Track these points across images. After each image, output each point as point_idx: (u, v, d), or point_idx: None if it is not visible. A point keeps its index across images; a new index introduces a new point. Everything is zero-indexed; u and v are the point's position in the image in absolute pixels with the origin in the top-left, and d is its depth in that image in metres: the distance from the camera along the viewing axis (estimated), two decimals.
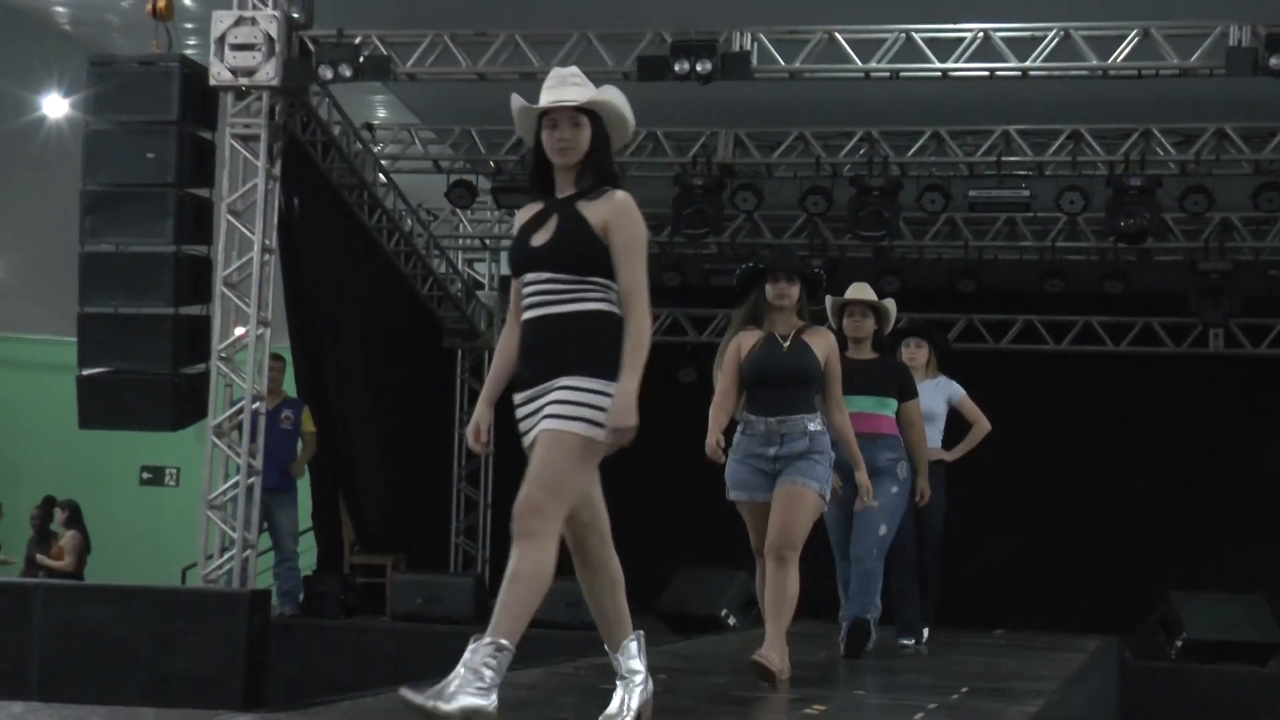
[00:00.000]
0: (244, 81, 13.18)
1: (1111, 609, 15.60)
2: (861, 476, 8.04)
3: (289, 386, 14.69)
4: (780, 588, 7.33)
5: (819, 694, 7.18)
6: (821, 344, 7.51)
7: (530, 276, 5.06)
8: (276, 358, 14.00)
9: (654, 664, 8.11)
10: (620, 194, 5.07)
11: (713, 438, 7.35)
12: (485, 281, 18.87)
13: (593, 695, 5.56)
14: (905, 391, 9.19)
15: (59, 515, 17.01)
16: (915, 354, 10.25)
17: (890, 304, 9.20)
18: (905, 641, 10.23)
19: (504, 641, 4.74)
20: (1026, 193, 15.30)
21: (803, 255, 8.83)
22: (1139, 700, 12.80)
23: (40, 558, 16.68)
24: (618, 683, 5.35)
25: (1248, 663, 12.99)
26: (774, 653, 7.09)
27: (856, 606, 8.90)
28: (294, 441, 14.12)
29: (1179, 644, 13.21)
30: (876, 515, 8.75)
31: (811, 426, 7.41)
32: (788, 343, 7.49)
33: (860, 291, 9.11)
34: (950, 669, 9.18)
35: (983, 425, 10.85)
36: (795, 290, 7.54)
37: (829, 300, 9.01)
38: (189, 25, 14.52)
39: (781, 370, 7.42)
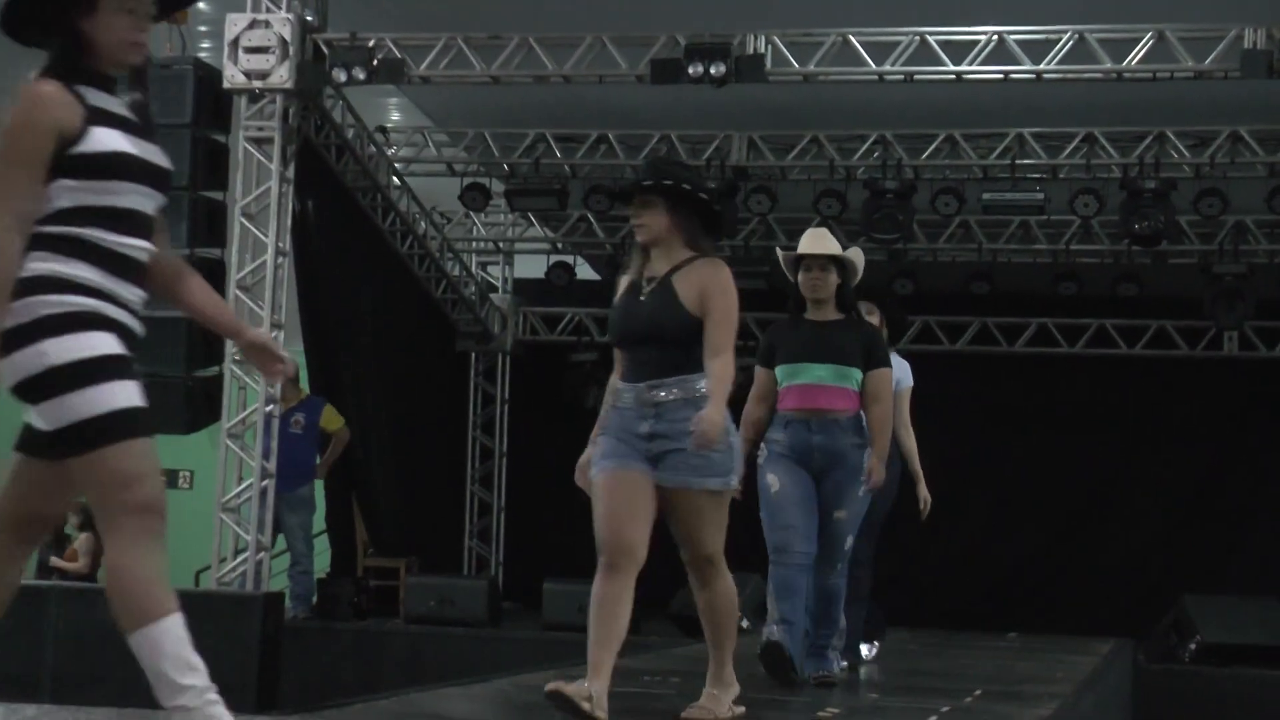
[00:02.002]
0: (258, 84, 13.19)
1: (1125, 612, 15.58)
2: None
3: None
4: (710, 607, 5.94)
5: (832, 697, 7.18)
6: (694, 281, 5.73)
7: None
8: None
9: (667, 667, 8.14)
10: None
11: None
12: (499, 285, 18.88)
13: (610, 697, 5.55)
14: (873, 358, 7.56)
15: (72, 518, 17.03)
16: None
17: (856, 254, 7.73)
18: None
19: None
20: (1040, 196, 15.26)
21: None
22: (1152, 704, 12.80)
23: (54, 560, 16.70)
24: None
25: (1261, 666, 12.97)
26: (597, 681, 5.59)
27: (824, 628, 7.74)
28: (305, 445, 14.14)
29: (1192, 647, 13.20)
30: (845, 525, 7.54)
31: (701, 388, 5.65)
32: (651, 286, 5.83)
33: (817, 242, 7.58)
34: (964, 672, 9.18)
35: (906, 432, 8.87)
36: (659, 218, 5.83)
37: (781, 254, 7.75)
38: (203, 28, 14.53)
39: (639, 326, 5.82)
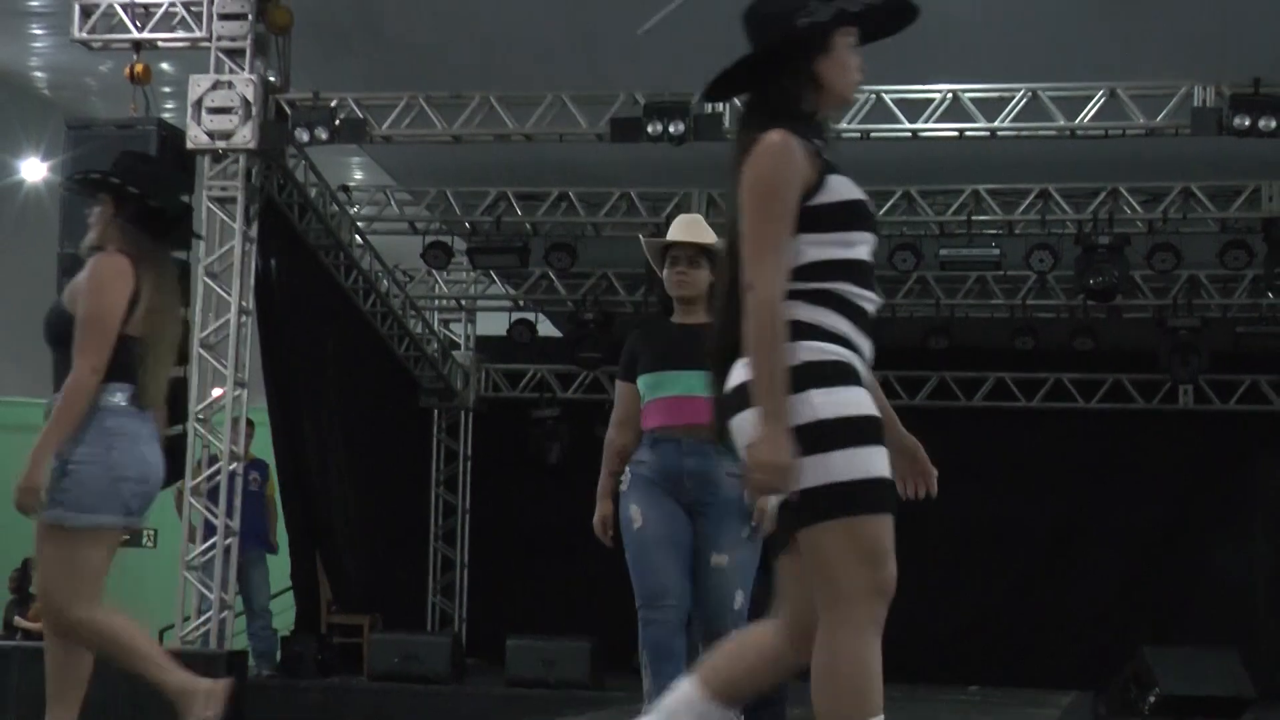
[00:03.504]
0: (221, 144, 13.20)
1: (1085, 663, 15.59)
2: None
3: (264, 448, 14.64)
4: (58, 666, 5.79)
5: None
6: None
7: None
8: (247, 422, 14.00)
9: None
10: None
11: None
12: (461, 342, 18.86)
13: None
14: None
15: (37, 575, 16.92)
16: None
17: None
18: None
19: None
20: (996, 251, 15.34)
21: None
22: None
23: (18, 620, 16.57)
24: None
25: (1221, 717, 12.98)
26: None
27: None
28: (261, 503, 14.16)
29: (1152, 699, 13.21)
30: (730, 577, 6.02)
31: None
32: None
33: (688, 229, 6.42)
34: None
35: None
36: None
37: (645, 242, 6.68)
38: (166, 89, 14.55)
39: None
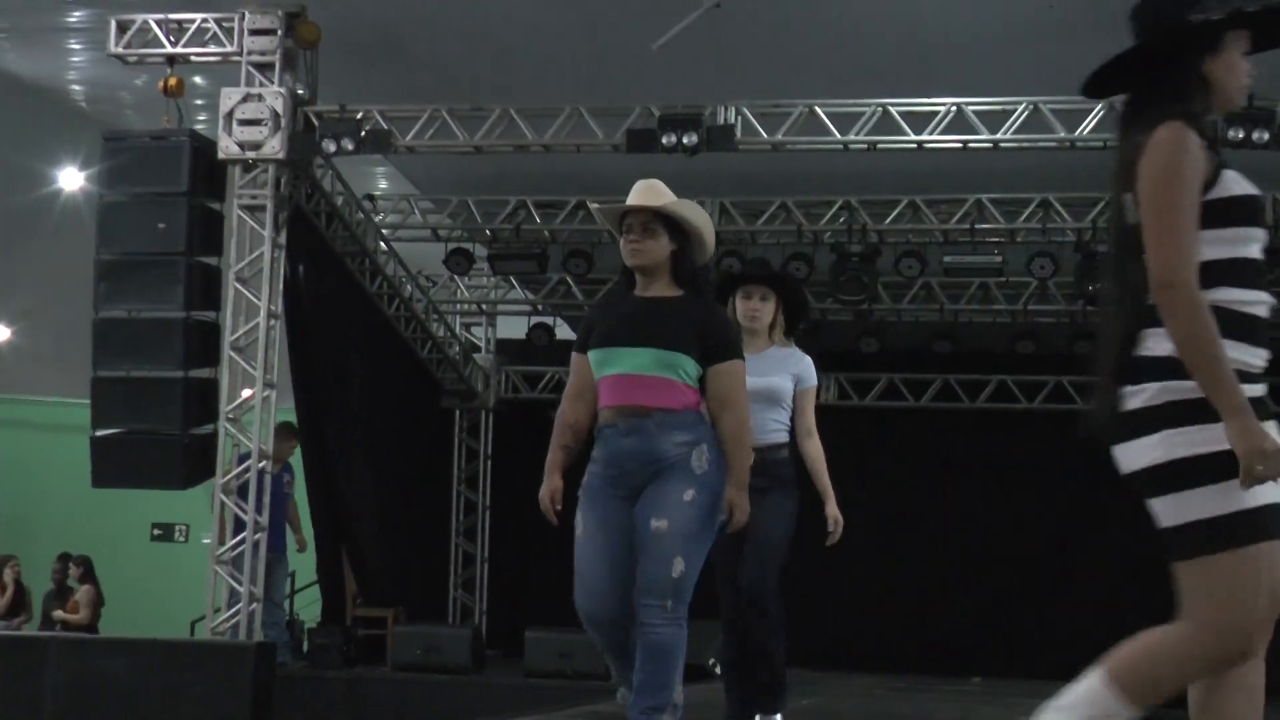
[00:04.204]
0: (251, 155, 13.22)
1: (1084, 656, 15.46)
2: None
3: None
4: None
5: None
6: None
7: None
8: (293, 431, 14.16)
9: None
10: None
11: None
12: (482, 345, 18.86)
13: None
14: (715, 346, 5.51)
15: (73, 571, 16.95)
16: (758, 310, 6.75)
17: (695, 215, 5.68)
18: None
19: None
20: (999, 258, 15.32)
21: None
22: None
23: (57, 613, 16.61)
24: None
25: None
26: None
27: (646, 699, 5.34)
28: (289, 504, 14.23)
29: None
30: (668, 541, 5.32)
31: None
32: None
33: (642, 194, 5.67)
34: (929, 715, 9.16)
35: (819, 449, 6.81)
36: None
37: (596, 210, 5.90)
38: (199, 101, 14.56)
39: None
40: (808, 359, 6.78)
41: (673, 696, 5.31)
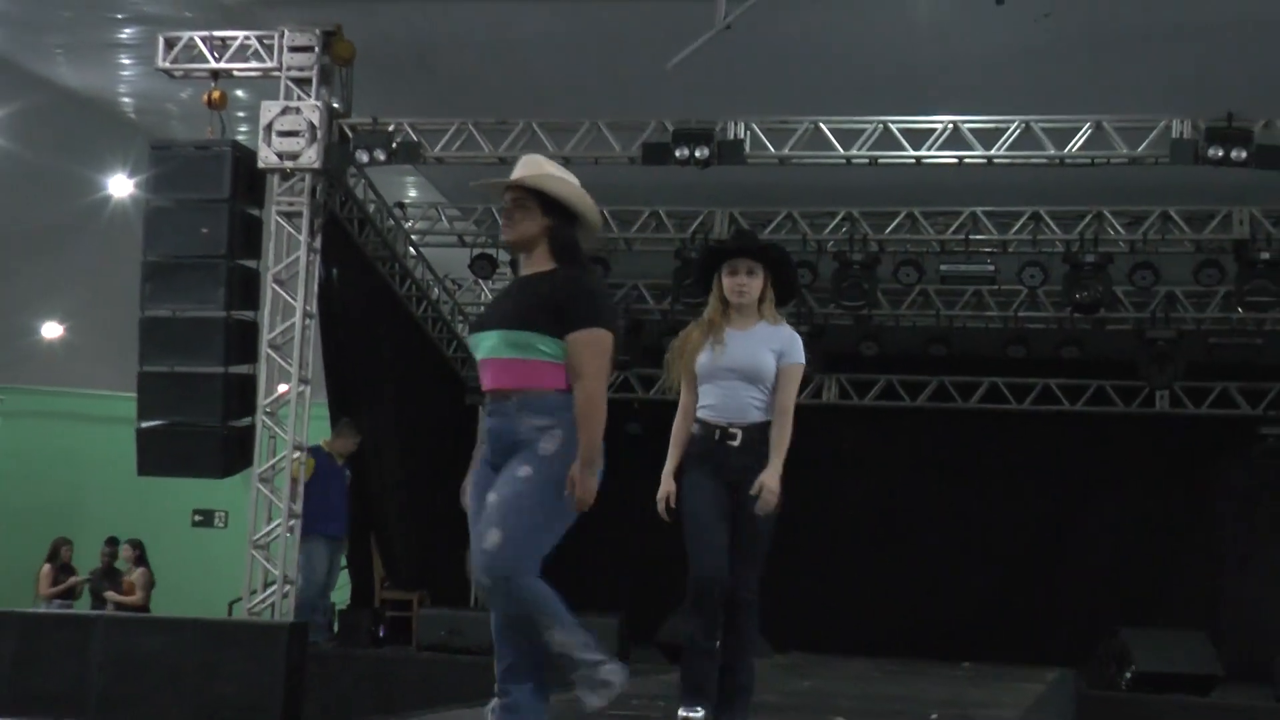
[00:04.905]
0: (289, 164, 13.24)
1: (1068, 643, 15.52)
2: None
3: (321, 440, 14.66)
4: None
5: (802, 717, 7.14)
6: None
7: None
8: (356, 428, 14.25)
9: (654, 692, 8.10)
10: None
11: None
12: None
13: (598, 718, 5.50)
14: (574, 318, 4.95)
15: (127, 553, 16.96)
16: (745, 285, 5.99)
17: (560, 187, 5.22)
18: None
19: None
20: (991, 268, 15.30)
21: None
22: None
23: (112, 594, 16.62)
24: None
25: (1191, 693, 12.92)
26: None
27: (510, 679, 5.20)
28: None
29: (1129, 676, 13.14)
30: (491, 513, 4.96)
31: None
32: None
33: (516, 170, 5.27)
34: (922, 697, 9.15)
35: (786, 428, 5.88)
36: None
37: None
38: (240, 114, 14.58)
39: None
40: (795, 336, 6.00)
41: (568, 633, 5.02)
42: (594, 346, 4.91)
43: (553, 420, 4.93)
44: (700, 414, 5.88)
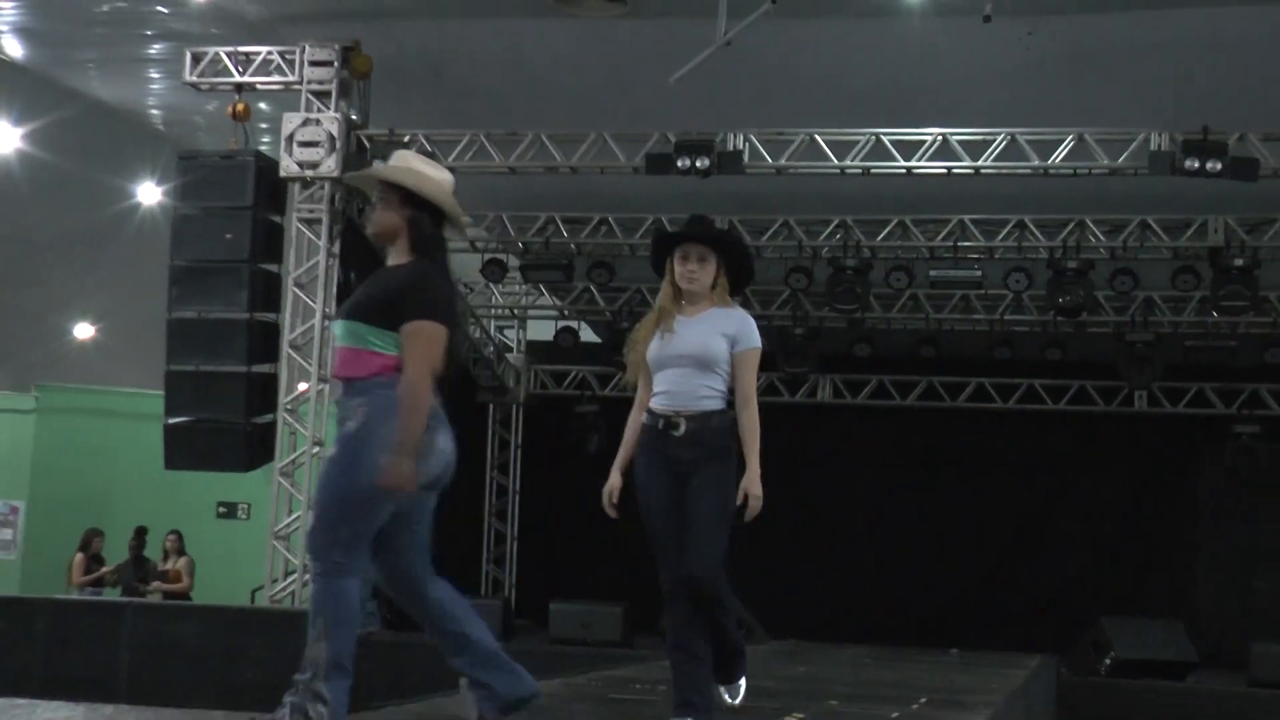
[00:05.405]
0: (309, 173, 13.27)
1: (1050, 631, 15.53)
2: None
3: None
4: None
5: (795, 703, 7.16)
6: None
7: None
8: None
9: (655, 678, 8.12)
10: None
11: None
12: (513, 345, 18.88)
13: (604, 703, 5.54)
14: (407, 310, 4.96)
15: (172, 543, 16.94)
16: (695, 272, 5.57)
17: (417, 179, 5.17)
18: None
19: None
20: (979, 273, 15.30)
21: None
22: (1073, 712, 12.74)
23: (158, 584, 16.58)
24: None
25: (1168, 679, 12.93)
26: None
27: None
28: None
29: (1108, 662, 13.16)
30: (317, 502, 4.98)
31: None
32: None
33: (392, 160, 5.27)
34: (912, 682, 9.15)
35: (753, 419, 5.45)
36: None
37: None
38: (263, 125, 14.61)
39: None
40: (748, 319, 5.58)
41: (324, 651, 4.97)
42: (418, 337, 4.89)
43: (365, 400, 4.87)
44: (652, 403, 5.54)
